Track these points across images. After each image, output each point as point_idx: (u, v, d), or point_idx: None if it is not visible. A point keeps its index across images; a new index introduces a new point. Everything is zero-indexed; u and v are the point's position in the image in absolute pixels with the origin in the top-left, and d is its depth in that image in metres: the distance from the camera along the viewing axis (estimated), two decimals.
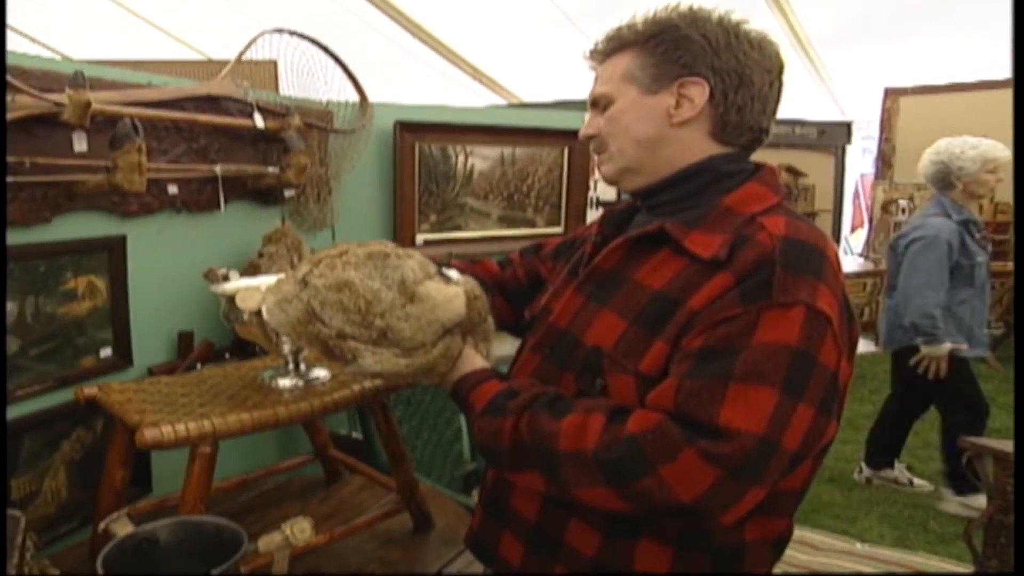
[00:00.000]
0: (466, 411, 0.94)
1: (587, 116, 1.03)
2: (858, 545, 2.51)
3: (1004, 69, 5.71)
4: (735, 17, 0.93)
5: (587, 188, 2.88)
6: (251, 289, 1.31)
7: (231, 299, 1.36)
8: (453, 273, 1.02)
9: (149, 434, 1.19)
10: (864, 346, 4.04)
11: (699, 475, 0.75)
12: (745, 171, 0.94)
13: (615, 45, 0.97)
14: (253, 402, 1.36)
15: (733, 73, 0.91)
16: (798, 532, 2.55)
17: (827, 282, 0.81)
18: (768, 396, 0.76)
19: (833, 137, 6.44)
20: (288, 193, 2.03)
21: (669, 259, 0.89)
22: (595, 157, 1.05)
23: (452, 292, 0.94)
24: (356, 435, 2.20)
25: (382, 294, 0.91)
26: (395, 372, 0.93)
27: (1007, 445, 1.81)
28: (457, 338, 0.96)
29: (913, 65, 6.18)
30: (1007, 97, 5.73)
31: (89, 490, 1.60)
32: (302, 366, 1.48)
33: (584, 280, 0.98)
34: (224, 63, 1.88)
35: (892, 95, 6.40)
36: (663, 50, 0.92)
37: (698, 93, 0.91)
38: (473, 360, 0.97)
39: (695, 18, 0.92)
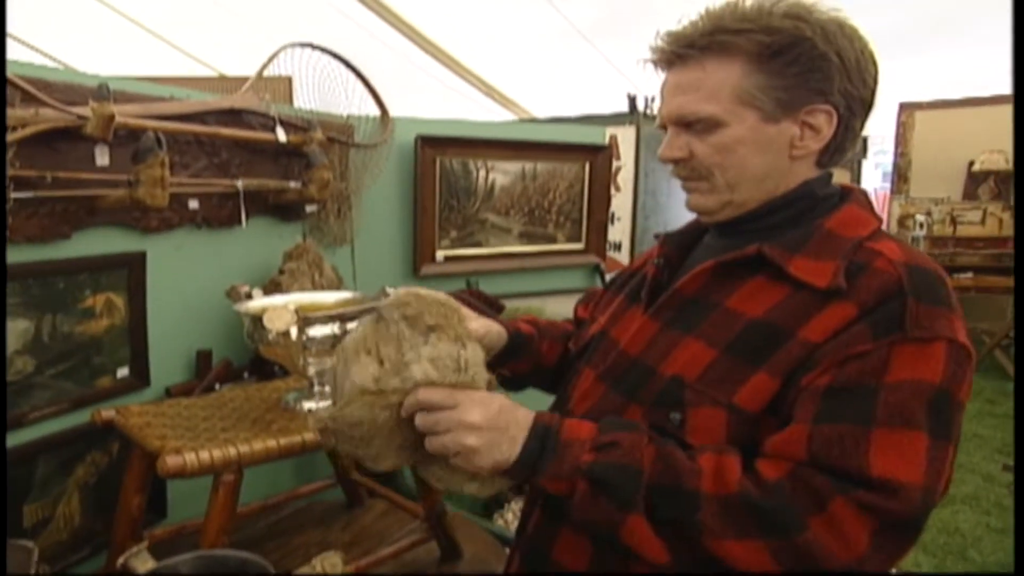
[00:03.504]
0: (552, 453, 0.74)
1: (668, 135, 0.86)
2: (893, 571, 2.43)
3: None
4: (849, 21, 0.81)
5: (608, 204, 2.83)
6: (279, 309, 1.26)
7: (256, 319, 1.31)
8: None
9: (172, 462, 1.14)
10: None
11: (854, 529, 0.65)
12: (835, 193, 0.86)
13: (710, 49, 0.80)
14: (278, 427, 1.30)
15: (859, 99, 0.81)
16: None
17: (957, 313, 0.74)
18: (919, 440, 0.68)
19: None
20: (309, 209, 1.99)
21: (766, 286, 0.79)
22: (685, 183, 0.88)
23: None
24: None
25: None
26: None
27: None
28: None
29: (926, 80, 6.15)
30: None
31: (103, 516, 1.54)
32: (327, 388, 1.43)
33: (662, 306, 0.87)
34: (238, 79, 1.85)
35: (907, 109, 6.36)
36: (796, 72, 0.78)
37: (825, 122, 0.80)
38: (517, 408, 0.78)
39: (825, 30, 0.77)
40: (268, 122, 1.82)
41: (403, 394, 0.77)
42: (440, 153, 2.33)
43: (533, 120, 6.14)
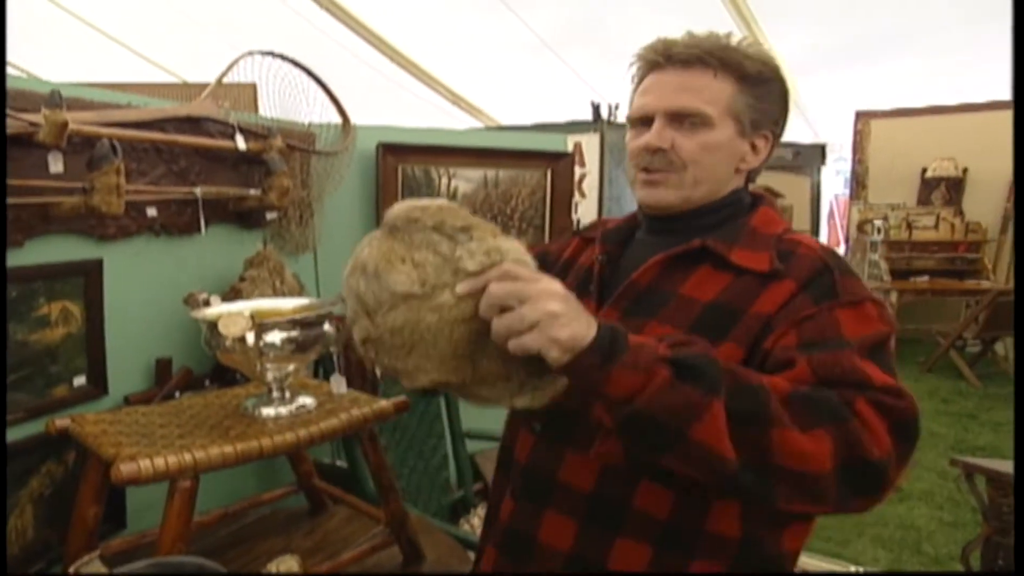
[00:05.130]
0: (624, 346, 0.71)
1: (655, 125, 0.93)
2: (852, 568, 2.49)
3: (968, 94, 5.90)
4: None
5: (570, 210, 2.87)
6: (234, 315, 1.26)
7: (213, 325, 1.31)
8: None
9: (126, 469, 1.13)
10: None
11: (879, 426, 0.72)
12: (750, 198, 1.00)
13: (709, 63, 0.91)
14: (236, 433, 1.30)
15: (781, 128, 0.98)
16: None
17: (862, 281, 0.89)
18: (889, 366, 0.79)
19: (808, 159, 6.54)
20: (270, 216, 1.99)
21: (712, 274, 0.90)
22: (640, 174, 0.95)
23: None
24: (341, 463, 2.14)
25: None
26: None
27: (1000, 464, 1.80)
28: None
29: (882, 89, 6.34)
30: (972, 120, 5.95)
31: (58, 528, 1.51)
32: (287, 393, 1.43)
33: (620, 296, 0.94)
34: (201, 86, 1.84)
35: (863, 118, 6.55)
36: (771, 100, 0.94)
37: (764, 146, 0.96)
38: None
39: (782, 73, 0.94)
40: (227, 129, 1.82)
41: (453, 289, 0.73)
42: (402, 161, 2.35)
43: (499, 128, 6.19)
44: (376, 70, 5.97)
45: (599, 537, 0.89)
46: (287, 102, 2.06)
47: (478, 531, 2.33)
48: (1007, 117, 5.49)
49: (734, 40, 0.93)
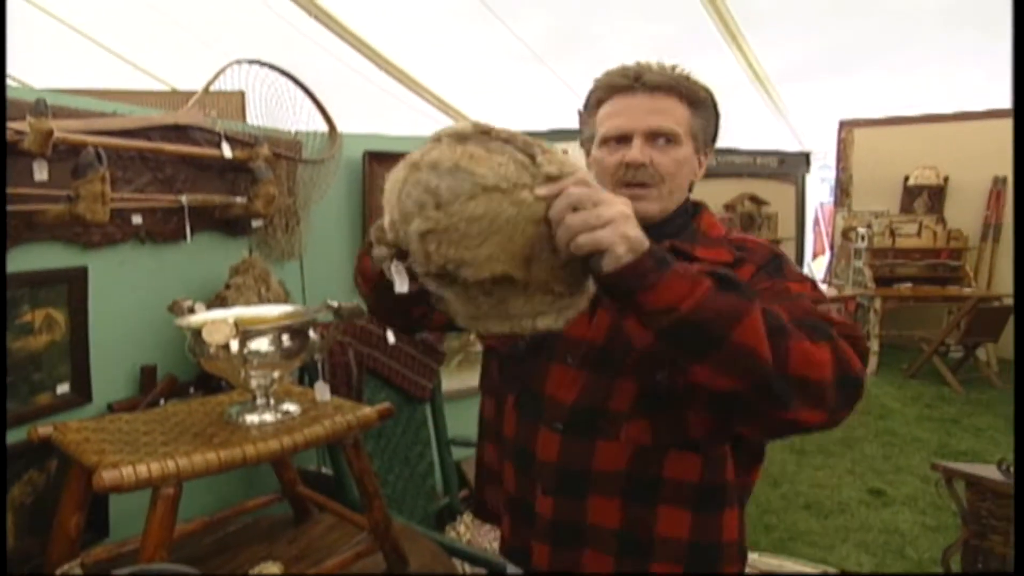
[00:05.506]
0: (665, 264, 0.77)
1: (635, 143, 1.02)
2: (834, 571, 2.51)
3: (950, 104, 5.98)
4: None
5: None
6: (218, 322, 1.27)
7: (197, 332, 1.31)
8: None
9: (108, 476, 1.13)
10: None
11: (849, 351, 0.84)
12: (692, 206, 1.12)
13: (674, 90, 1.03)
14: (220, 440, 1.30)
15: (713, 148, 1.12)
16: (776, 561, 2.52)
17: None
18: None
19: (792, 166, 6.62)
20: (256, 223, 1.99)
21: None
22: (621, 189, 1.02)
23: None
24: (326, 470, 2.14)
25: None
26: None
27: (979, 469, 1.83)
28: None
29: (865, 98, 6.41)
30: (953, 130, 6.03)
31: (39, 536, 1.51)
32: (271, 400, 1.44)
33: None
34: (190, 94, 1.85)
35: (847, 127, 6.62)
36: (715, 123, 1.09)
37: (704, 161, 1.11)
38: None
39: (715, 97, 1.09)
40: (214, 138, 1.83)
41: (532, 189, 0.76)
42: (388, 169, 2.34)
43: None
44: (364, 77, 5.98)
45: (643, 509, 1.00)
46: (274, 110, 2.07)
47: (464, 538, 2.34)
48: (987, 126, 5.61)
49: (679, 70, 1.06)
